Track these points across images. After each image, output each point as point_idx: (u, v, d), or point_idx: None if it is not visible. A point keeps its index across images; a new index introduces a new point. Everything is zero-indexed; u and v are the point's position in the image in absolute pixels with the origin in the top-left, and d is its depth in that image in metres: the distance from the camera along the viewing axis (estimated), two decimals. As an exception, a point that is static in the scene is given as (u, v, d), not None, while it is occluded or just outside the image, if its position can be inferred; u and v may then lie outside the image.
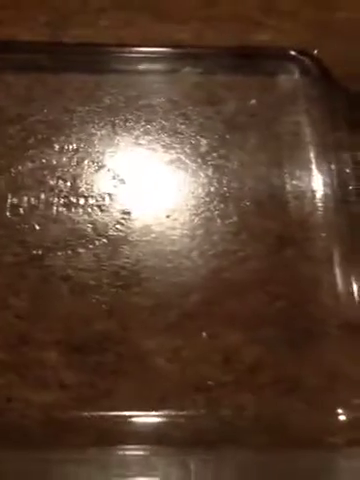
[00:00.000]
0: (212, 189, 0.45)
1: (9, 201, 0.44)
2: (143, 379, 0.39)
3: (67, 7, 0.49)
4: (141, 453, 0.38)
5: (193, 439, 0.38)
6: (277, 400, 0.39)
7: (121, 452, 0.38)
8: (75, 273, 0.42)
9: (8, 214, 0.43)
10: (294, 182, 0.45)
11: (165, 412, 0.38)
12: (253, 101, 0.47)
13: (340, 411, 0.39)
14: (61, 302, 0.41)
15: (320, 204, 0.45)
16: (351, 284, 0.42)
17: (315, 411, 0.39)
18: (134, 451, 0.38)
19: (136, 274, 0.42)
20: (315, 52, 0.47)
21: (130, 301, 0.41)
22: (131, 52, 0.48)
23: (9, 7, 0.48)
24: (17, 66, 0.47)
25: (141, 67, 0.48)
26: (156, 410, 0.38)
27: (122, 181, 0.45)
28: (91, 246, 0.43)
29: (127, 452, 0.38)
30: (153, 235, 0.43)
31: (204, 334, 0.40)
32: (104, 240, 0.43)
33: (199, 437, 0.38)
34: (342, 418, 0.39)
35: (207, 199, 0.45)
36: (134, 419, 0.38)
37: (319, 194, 0.45)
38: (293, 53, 0.47)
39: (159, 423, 0.38)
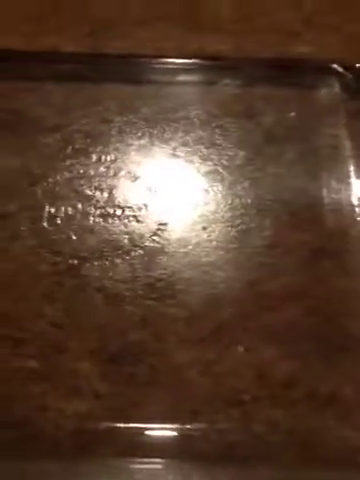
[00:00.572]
0: (248, 201, 0.45)
1: (46, 211, 0.44)
2: (176, 391, 0.39)
3: (107, 18, 0.49)
4: (168, 466, 0.38)
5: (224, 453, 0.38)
6: (310, 416, 0.39)
7: (149, 465, 0.38)
8: (110, 284, 0.42)
9: (45, 224, 0.44)
10: (332, 195, 0.45)
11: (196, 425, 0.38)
12: (293, 114, 0.46)
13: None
14: (96, 312, 0.41)
15: (359, 218, 0.44)
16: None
17: (348, 429, 0.39)
18: (160, 464, 0.38)
19: (171, 285, 0.42)
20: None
21: (165, 312, 0.41)
22: (169, 63, 0.49)
23: (51, 18, 0.49)
24: (57, 76, 0.48)
25: (179, 78, 0.48)
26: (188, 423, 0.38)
27: (158, 192, 0.45)
28: (127, 257, 0.43)
29: (154, 465, 0.38)
30: (189, 247, 0.43)
31: (241, 348, 0.40)
32: (140, 251, 0.43)
33: (230, 452, 0.38)
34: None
35: (243, 211, 0.44)
36: (164, 431, 0.38)
37: (358, 208, 0.45)
38: (334, 66, 0.47)
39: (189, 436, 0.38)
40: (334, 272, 0.43)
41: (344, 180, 0.45)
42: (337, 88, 0.48)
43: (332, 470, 0.37)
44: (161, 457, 0.37)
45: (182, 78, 0.48)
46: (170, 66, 0.49)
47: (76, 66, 0.48)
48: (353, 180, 0.45)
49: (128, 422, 0.38)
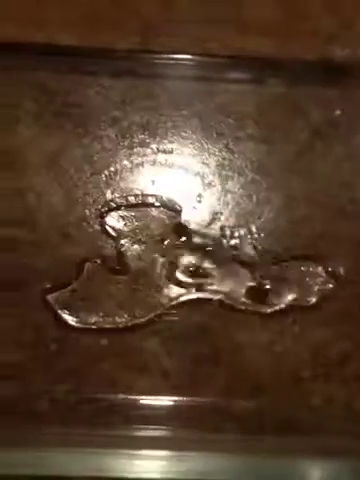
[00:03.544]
0: (298, 193, 0.47)
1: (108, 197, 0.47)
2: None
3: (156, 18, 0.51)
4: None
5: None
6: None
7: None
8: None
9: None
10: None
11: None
12: (338, 112, 0.49)
13: None
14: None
15: None
16: None
17: None
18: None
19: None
20: None
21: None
22: (220, 62, 0.51)
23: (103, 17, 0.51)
24: (112, 71, 0.50)
25: (229, 76, 0.50)
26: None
27: (212, 184, 0.48)
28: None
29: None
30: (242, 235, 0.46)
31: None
32: (197, 238, 0.46)
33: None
34: None
35: (293, 203, 0.47)
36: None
37: None
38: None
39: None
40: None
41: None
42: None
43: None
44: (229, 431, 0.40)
45: (232, 76, 0.50)
46: (220, 64, 0.51)
47: (130, 63, 0.50)
48: None
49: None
